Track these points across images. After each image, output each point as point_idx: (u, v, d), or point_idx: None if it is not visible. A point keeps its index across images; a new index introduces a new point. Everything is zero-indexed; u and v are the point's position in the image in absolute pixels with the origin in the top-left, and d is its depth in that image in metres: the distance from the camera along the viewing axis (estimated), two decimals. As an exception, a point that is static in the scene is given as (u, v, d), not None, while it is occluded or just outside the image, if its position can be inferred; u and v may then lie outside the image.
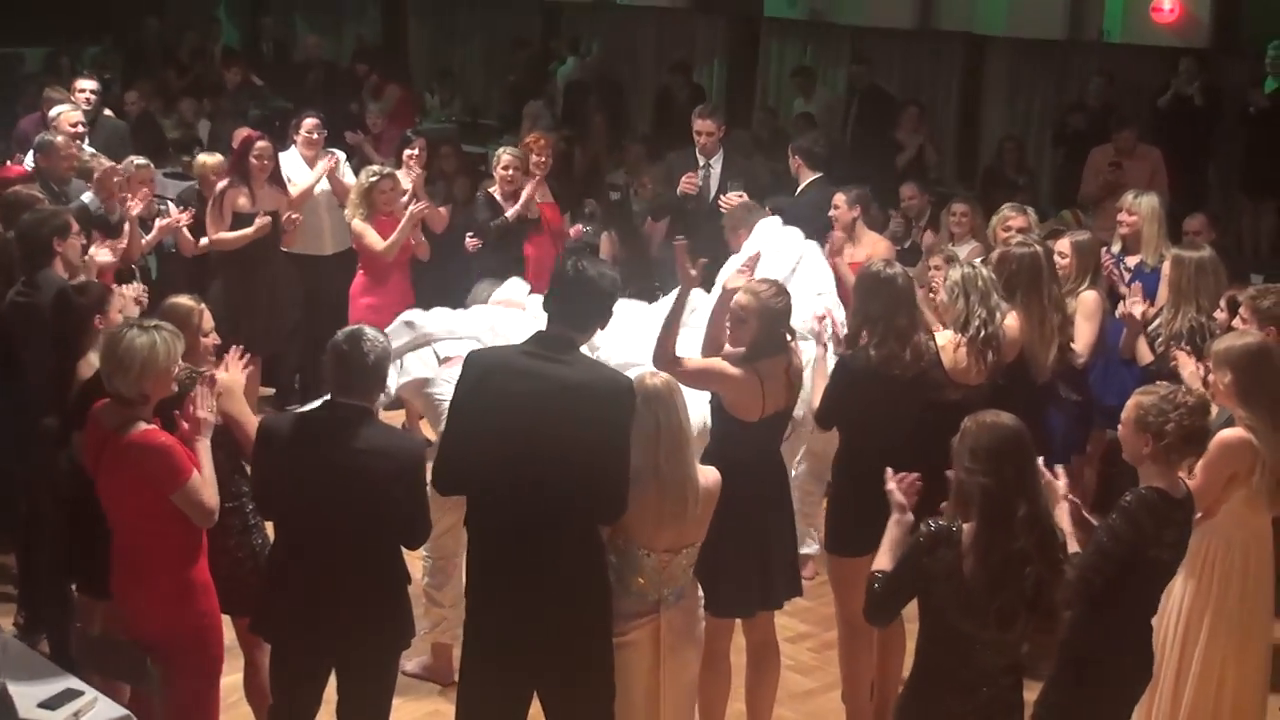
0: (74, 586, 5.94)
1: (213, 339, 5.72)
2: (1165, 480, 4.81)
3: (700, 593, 5.41)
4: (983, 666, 4.48)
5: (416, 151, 9.71)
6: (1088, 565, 4.72)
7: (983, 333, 6.19)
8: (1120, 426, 4.97)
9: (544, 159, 9.56)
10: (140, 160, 8.90)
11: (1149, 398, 4.89)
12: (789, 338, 5.80)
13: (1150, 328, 7.05)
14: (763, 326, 5.67)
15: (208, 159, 9.47)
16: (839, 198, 8.49)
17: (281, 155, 9.46)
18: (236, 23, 20.03)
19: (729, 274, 7.40)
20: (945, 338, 6.26)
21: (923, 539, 4.49)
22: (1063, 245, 7.29)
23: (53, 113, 9.68)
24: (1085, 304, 7.16)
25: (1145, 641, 4.99)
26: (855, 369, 5.90)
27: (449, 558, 6.43)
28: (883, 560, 4.65)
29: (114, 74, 14.69)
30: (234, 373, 5.47)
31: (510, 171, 9.34)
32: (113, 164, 8.57)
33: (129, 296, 6.33)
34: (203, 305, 5.75)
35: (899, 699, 4.87)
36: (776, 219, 8.04)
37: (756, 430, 5.69)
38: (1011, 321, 6.41)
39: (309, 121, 9.64)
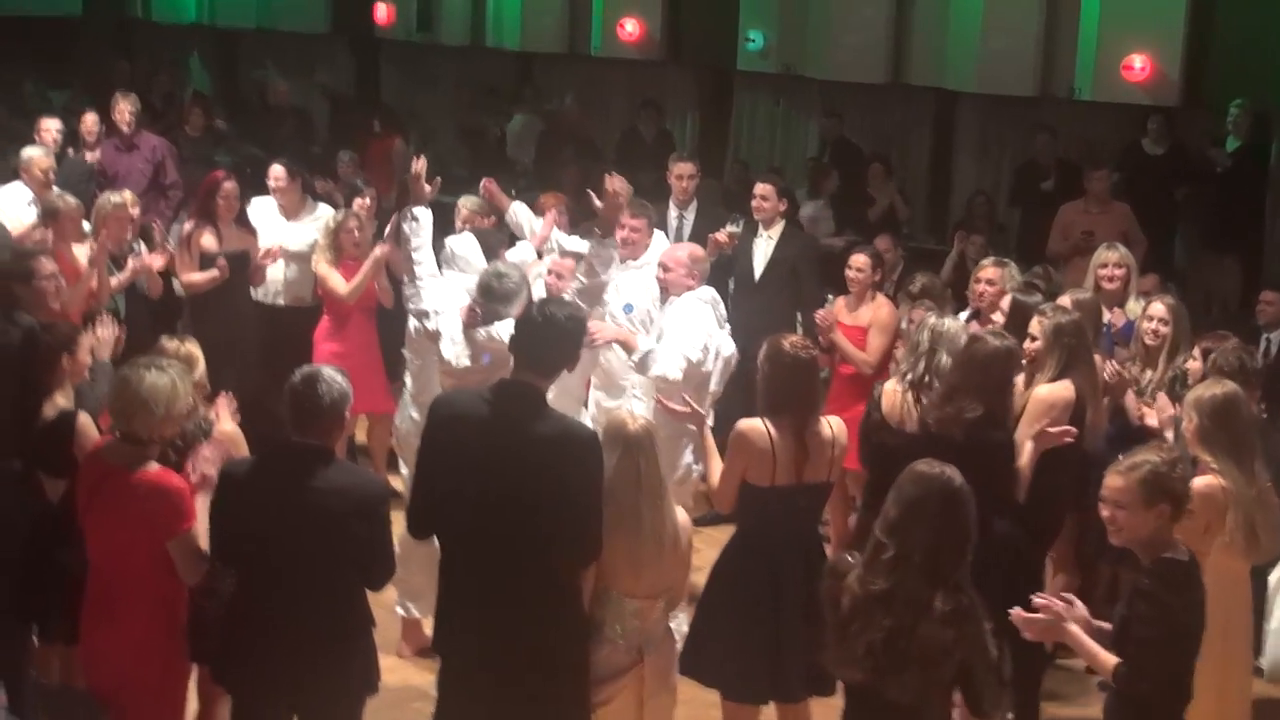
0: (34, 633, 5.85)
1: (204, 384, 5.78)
2: (1169, 548, 4.64)
3: (677, 639, 5.45)
4: None
5: (367, 201, 9.72)
6: (1139, 670, 4.50)
7: (926, 380, 6.30)
8: (1112, 509, 4.69)
9: (556, 218, 8.80)
10: (117, 197, 8.87)
11: (1143, 469, 4.64)
12: (813, 400, 5.62)
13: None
14: (772, 380, 5.59)
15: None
16: (860, 259, 8.39)
17: (257, 201, 9.50)
18: (210, 69, 20.11)
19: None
20: (890, 384, 6.40)
21: (827, 567, 4.68)
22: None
23: (24, 156, 9.71)
24: None
25: None
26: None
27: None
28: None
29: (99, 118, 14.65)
30: (230, 424, 5.54)
31: (469, 225, 8.93)
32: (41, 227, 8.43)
33: (105, 338, 6.30)
34: (198, 349, 5.83)
35: None
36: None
37: (771, 499, 5.51)
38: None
39: (272, 170, 9.54)
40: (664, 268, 7.36)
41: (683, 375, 6.82)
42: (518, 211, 8.09)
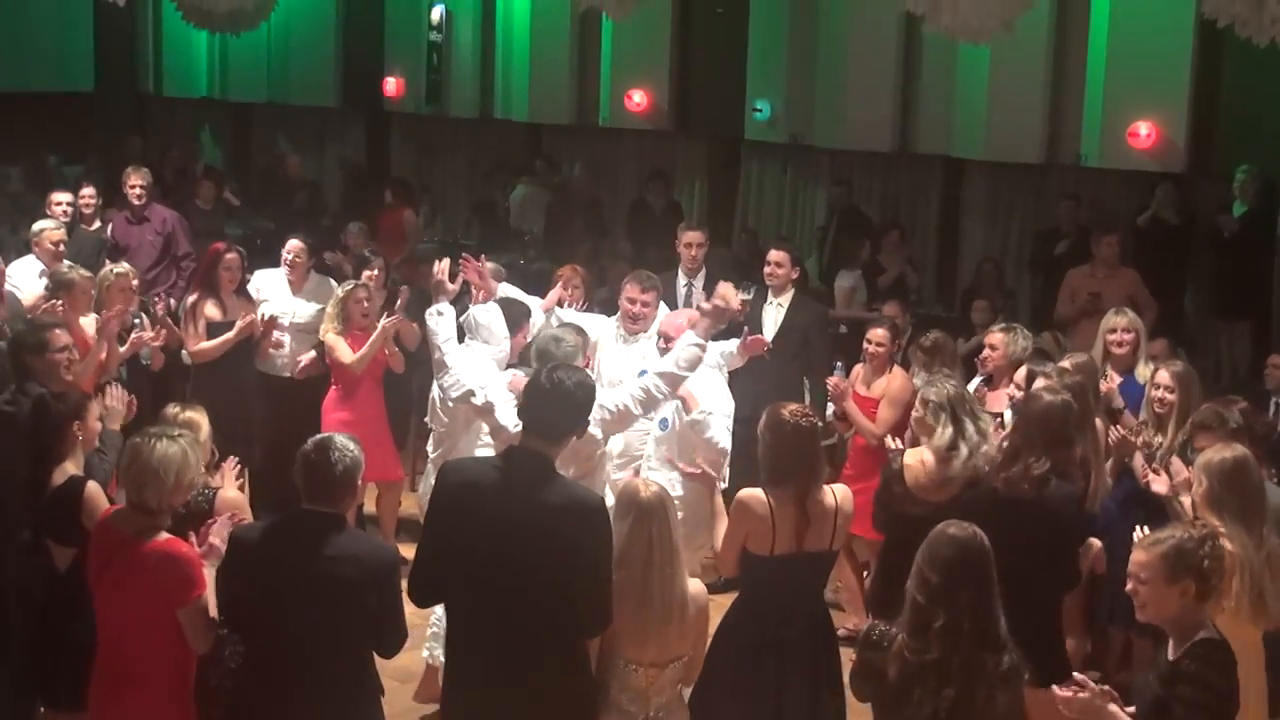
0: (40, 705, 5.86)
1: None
2: (1203, 627, 4.57)
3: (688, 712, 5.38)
4: None
5: (376, 271, 9.75)
6: None
7: (961, 451, 6.28)
8: (1135, 584, 4.61)
9: (572, 290, 8.71)
10: (119, 269, 8.93)
11: (1166, 544, 4.58)
12: (815, 468, 5.60)
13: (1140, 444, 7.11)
14: (772, 448, 5.60)
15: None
16: (879, 333, 8.40)
17: (268, 272, 9.60)
18: (221, 142, 20.30)
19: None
20: (914, 455, 6.37)
21: (862, 639, 4.65)
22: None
23: (35, 229, 9.82)
24: None
25: None
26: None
27: None
28: None
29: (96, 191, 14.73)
30: (234, 490, 5.62)
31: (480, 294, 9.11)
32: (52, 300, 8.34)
33: (115, 407, 6.31)
34: (204, 415, 5.88)
35: None
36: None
37: (772, 567, 5.50)
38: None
39: (291, 244, 9.64)
40: (664, 337, 7.38)
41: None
42: (507, 291, 8.06)
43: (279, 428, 8.86)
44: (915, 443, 7.65)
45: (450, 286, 7.07)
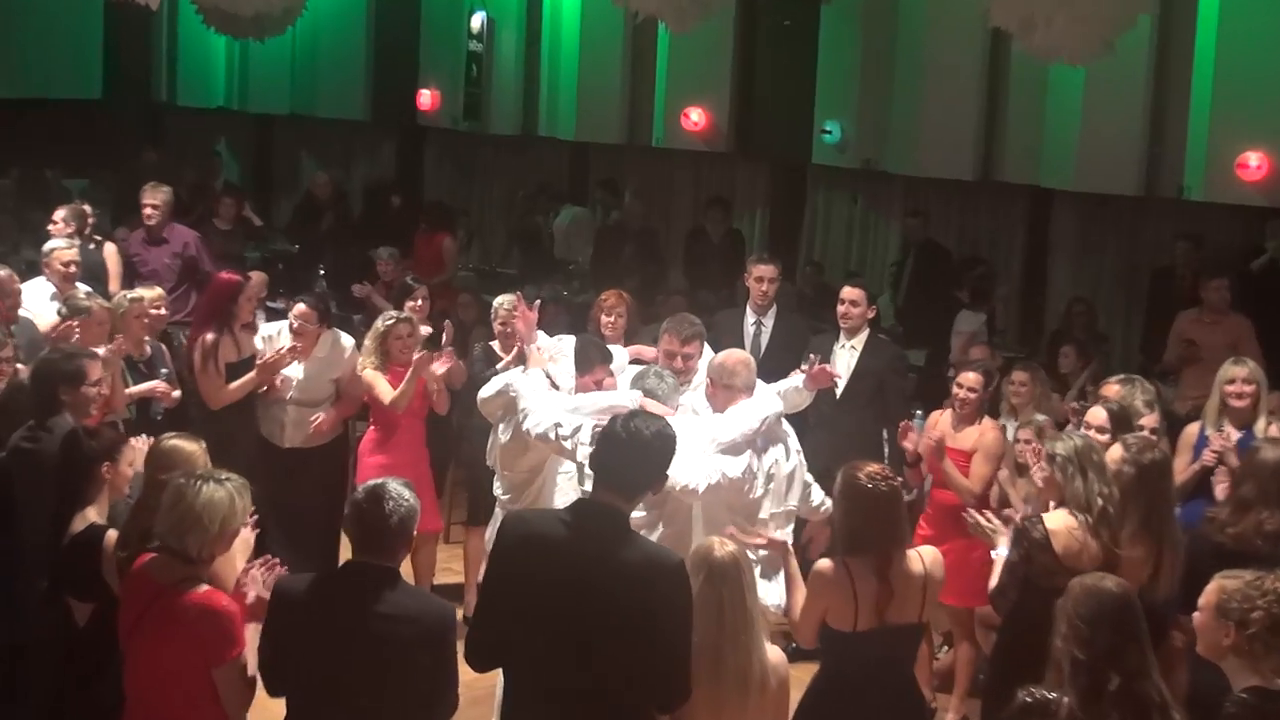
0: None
1: None
2: (1258, 675, 4.70)
3: None
4: None
5: (419, 302, 9.65)
6: None
7: (1108, 511, 6.11)
8: (1197, 613, 4.88)
9: (615, 319, 8.91)
10: (134, 294, 8.90)
11: (1234, 582, 4.81)
12: (897, 535, 5.58)
13: None
14: (849, 515, 5.57)
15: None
16: (972, 377, 8.34)
17: (272, 326, 9.30)
18: (240, 157, 20.40)
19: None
20: (1057, 519, 6.14)
21: (1018, 707, 4.63)
22: None
23: (45, 249, 9.82)
24: None
25: None
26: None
27: None
28: None
29: (104, 208, 14.83)
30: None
31: (508, 328, 8.81)
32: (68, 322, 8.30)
33: (140, 447, 6.27)
34: (204, 446, 5.83)
35: None
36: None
37: (855, 643, 5.49)
38: None
39: (298, 308, 8.99)
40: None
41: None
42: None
43: (283, 494, 8.49)
44: (1004, 504, 7.62)
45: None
